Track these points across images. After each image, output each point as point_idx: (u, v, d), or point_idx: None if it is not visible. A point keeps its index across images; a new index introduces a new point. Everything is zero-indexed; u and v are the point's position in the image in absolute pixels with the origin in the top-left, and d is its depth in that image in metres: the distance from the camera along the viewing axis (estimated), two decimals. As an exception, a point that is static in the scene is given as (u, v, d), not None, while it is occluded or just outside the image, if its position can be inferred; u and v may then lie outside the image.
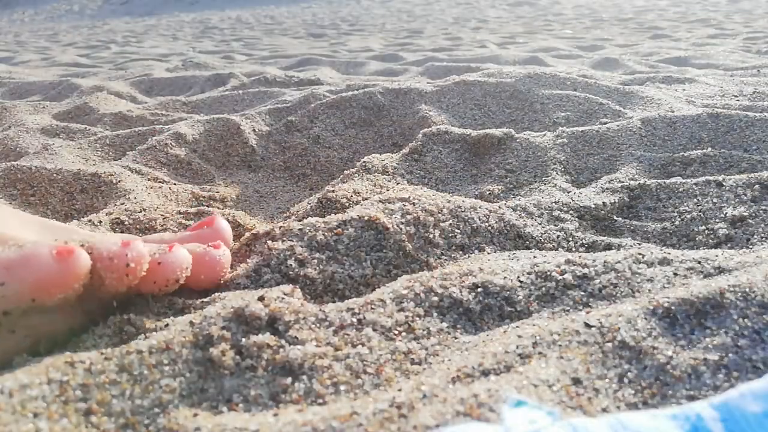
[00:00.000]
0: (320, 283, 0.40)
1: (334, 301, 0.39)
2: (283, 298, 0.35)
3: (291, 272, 0.40)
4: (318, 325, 0.34)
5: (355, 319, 0.34)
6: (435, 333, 0.35)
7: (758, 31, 2.46)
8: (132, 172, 0.76)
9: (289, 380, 0.30)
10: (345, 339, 0.33)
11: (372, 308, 0.35)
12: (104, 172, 0.72)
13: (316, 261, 0.41)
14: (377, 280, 0.42)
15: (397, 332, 0.34)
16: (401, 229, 0.44)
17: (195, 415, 0.27)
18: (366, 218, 0.44)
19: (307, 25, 3.94)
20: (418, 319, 0.35)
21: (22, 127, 0.93)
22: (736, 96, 0.89)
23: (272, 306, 0.33)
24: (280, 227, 0.46)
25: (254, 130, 0.83)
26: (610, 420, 0.24)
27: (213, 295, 0.39)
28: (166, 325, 0.34)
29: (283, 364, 0.31)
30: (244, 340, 0.31)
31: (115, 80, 1.51)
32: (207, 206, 0.70)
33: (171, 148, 0.82)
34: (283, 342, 0.32)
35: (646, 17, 3.57)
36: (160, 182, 0.75)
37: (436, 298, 0.37)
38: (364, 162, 0.70)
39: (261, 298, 0.34)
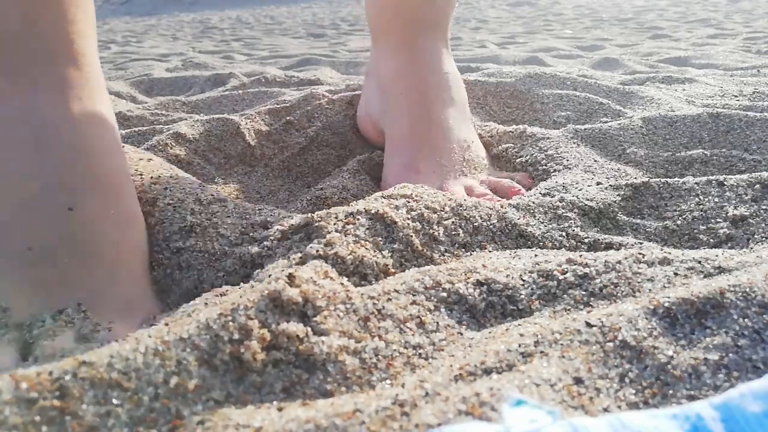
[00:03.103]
0: (350, 263, 0.40)
1: (358, 284, 0.40)
2: (314, 281, 0.35)
3: (319, 251, 0.41)
4: (345, 313, 0.34)
5: (376, 309, 0.35)
6: (443, 328, 0.35)
7: (758, 31, 2.46)
8: (132, 171, 0.76)
9: (306, 376, 0.30)
10: (368, 330, 0.33)
11: (389, 299, 0.36)
12: (105, 172, 0.71)
13: (344, 242, 0.41)
14: (394, 271, 0.42)
15: (409, 326, 0.34)
16: (408, 224, 0.44)
17: (197, 405, 0.27)
18: (373, 211, 0.44)
19: (307, 25, 3.94)
20: (428, 313, 0.36)
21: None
22: (736, 96, 0.89)
23: (303, 288, 0.34)
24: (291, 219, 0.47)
25: (254, 130, 0.83)
26: (611, 419, 0.25)
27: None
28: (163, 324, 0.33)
29: (306, 357, 0.31)
30: (275, 327, 0.31)
31: (115, 80, 1.50)
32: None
33: (171, 148, 0.81)
34: (309, 331, 0.32)
35: (646, 17, 3.58)
36: (160, 182, 0.75)
37: (444, 294, 0.37)
38: (358, 160, 0.70)
39: (291, 277, 0.34)
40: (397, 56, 0.64)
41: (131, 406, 0.26)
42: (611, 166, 0.63)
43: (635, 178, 0.60)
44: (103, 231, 0.39)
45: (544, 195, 0.55)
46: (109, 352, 0.28)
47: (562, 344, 0.31)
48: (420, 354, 0.33)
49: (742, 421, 0.24)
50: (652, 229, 0.49)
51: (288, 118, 0.85)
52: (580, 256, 0.40)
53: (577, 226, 0.49)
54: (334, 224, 0.43)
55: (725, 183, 0.51)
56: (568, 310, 0.36)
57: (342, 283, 0.36)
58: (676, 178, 0.54)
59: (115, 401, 0.26)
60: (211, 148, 0.83)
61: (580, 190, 0.55)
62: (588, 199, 0.51)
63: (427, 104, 0.63)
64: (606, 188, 0.54)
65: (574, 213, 0.50)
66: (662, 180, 0.53)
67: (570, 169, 0.62)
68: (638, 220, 0.50)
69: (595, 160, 0.64)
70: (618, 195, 0.53)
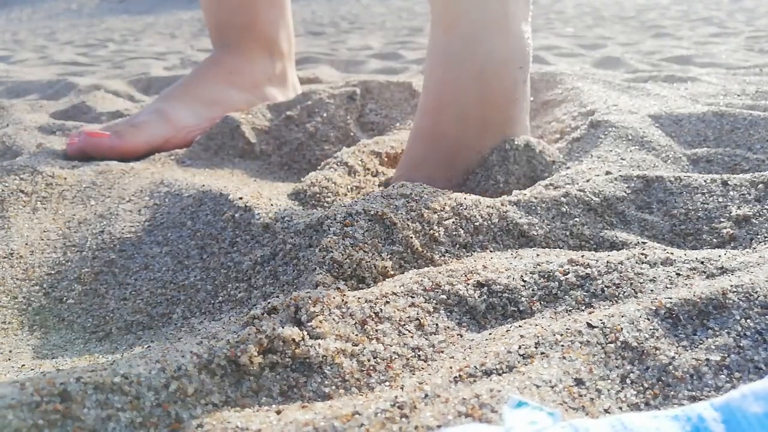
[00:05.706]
0: (348, 267, 0.40)
1: (356, 288, 0.40)
2: (307, 290, 0.35)
3: (316, 257, 0.41)
4: (341, 317, 0.34)
5: (373, 312, 0.34)
6: (442, 330, 0.35)
7: (760, 30, 2.45)
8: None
9: (303, 379, 0.30)
10: (366, 333, 0.33)
11: (387, 302, 0.35)
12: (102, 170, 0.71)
13: (341, 246, 0.41)
14: (393, 273, 0.42)
15: (408, 328, 0.34)
16: (408, 225, 0.44)
17: (197, 409, 0.27)
18: (372, 212, 0.44)
19: (306, 23, 3.93)
20: (427, 315, 0.35)
21: (20, 125, 0.93)
22: (738, 95, 0.88)
23: (294, 294, 0.34)
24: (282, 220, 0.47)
25: (254, 127, 0.83)
26: (612, 420, 0.24)
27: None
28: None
29: (302, 360, 0.31)
30: (270, 331, 0.31)
31: (113, 79, 1.50)
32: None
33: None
34: (305, 335, 0.32)
35: (647, 15, 3.57)
36: (160, 180, 0.75)
37: (443, 296, 0.37)
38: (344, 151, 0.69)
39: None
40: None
41: (132, 410, 0.26)
42: (627, 156, 0.61)
43: (646, 170, 0.58)
44: None
45: (548, 188, 0.54)
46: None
47: (563, 345, 0.31)
48: (419, 356, 0.33)
49: (743, 422, 0.24)
50: (659, 227, 0.48)
51: (288, 113, 0.84)
52: (582, 256, 0.39)
53: (581, 224, 0.48)
54: (330, 223, 0.43)
55: (729, 182, 0.51)
56: (570, 311, 0.36)
57: (338, 288, 0.36)
58: (686, 174, 0.53)
59: (116, 405, 0.26)
60: (210, 145, 0.83)
61: (587, 181, 0.53)
62: (594, 194, 0.50)
63: (420, 119, 0.68)
64: (615, 179, 0.52)
65: (579, 209, 0.49)
66: (673, 174, 0.52)
67: (580, 158, 0.62)
68: (647, 216, 0.49)
69: (610, 150, 0.62)
70: (628, 188, 0.51)
